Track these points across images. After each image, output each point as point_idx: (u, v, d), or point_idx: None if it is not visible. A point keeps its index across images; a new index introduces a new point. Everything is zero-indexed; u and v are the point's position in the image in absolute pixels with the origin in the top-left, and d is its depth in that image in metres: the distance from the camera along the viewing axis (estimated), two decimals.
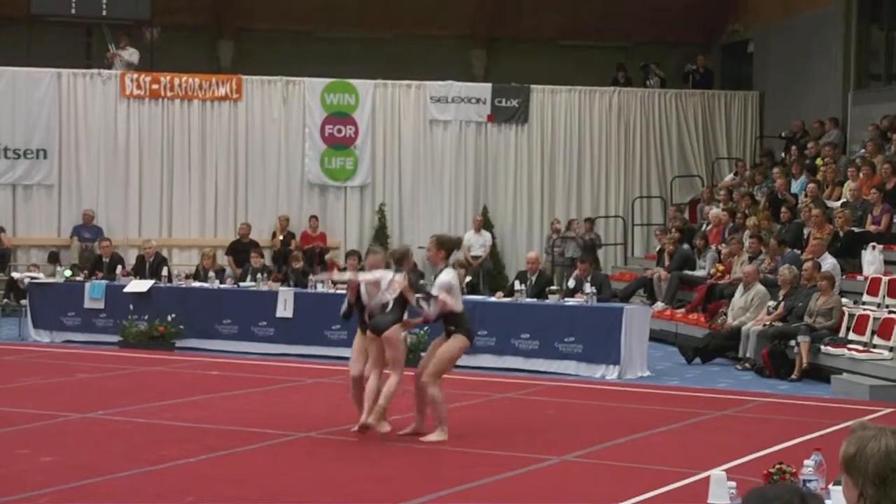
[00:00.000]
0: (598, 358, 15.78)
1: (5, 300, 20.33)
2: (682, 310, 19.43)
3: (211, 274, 19.03)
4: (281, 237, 23.66)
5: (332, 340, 16.96)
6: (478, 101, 25.02)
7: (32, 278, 19.45)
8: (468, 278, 18.63)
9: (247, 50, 26.81)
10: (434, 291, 10.93)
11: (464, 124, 24.97)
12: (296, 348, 17.43)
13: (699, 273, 20.27)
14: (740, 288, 17.65)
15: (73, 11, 23.91)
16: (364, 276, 11.43)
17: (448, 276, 11.06)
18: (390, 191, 24.65)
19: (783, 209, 20.43)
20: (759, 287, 17.37)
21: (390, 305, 10.98)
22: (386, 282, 11.07)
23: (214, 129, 24.08)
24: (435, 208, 24.48)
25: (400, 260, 11.23)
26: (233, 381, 14.73)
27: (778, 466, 6.45)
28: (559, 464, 10.09)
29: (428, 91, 24.86)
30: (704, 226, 22.30)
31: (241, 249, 22.47)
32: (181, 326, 17.93)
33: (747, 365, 16.43)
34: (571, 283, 17.89)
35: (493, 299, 17.18)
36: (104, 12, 23.92)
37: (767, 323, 16.58)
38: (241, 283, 18.95)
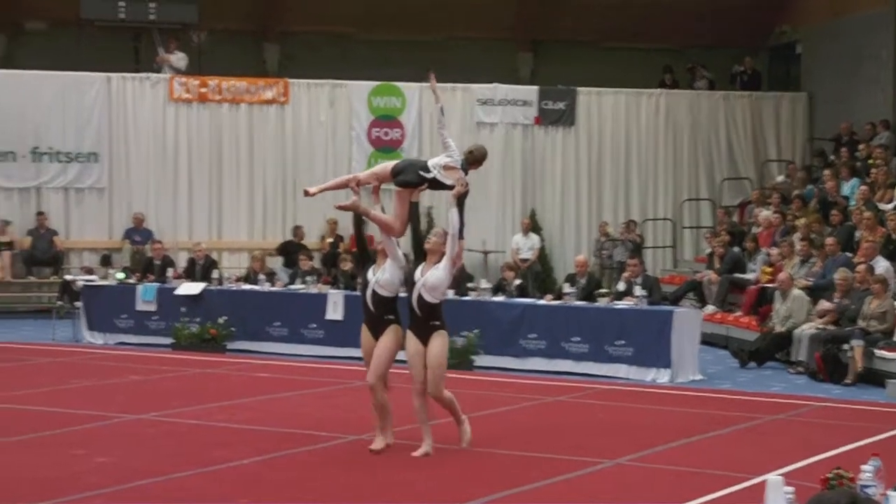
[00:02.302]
0: (649, 361, 15.71)
1: (59, 302, 20.51)
2: (738, 313, 19.25)
3: (261, 276, 19.11)
4: (330, 240, 23.72)
5: None
6: (524, 103, 24.96)
7: (86, 281, 19.64)
8: (517, 281, 18.56)
9: (291, 53, 26.92)
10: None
11: (510, 127, 24.92)
12: (346, 350, 17.39)
13: (749, 276, 20.14)
14: (778, 296, 17.51)
15: (121, 16, 24.10)
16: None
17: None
18: (438, 194, 24.49)
19: (833, 212, 20.26)
20: (796, 292, 17.23)
21: (429, 172, 10.90)
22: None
23: (262, 133, 24.19)
24: (482, 211, 24.07)
25: (472, 162, 10.98)
26: (283, 384, 14.80)
27: (836, 472, 6.40)
28: (613, 468, 10.05)
29: (474, 94, 24.83)
30: (754, 228, 22.15)
31: (292, 251, 22.57)
32: (232, 329, 18.05)
33: (800, 369, 16.29)
34: (621, 286, 17.80)
35: (542, 302, 17.12)
36: (152, 17, 24.13)
37: (821, 326, 16.43)
38: (291, 286, 19.02)
